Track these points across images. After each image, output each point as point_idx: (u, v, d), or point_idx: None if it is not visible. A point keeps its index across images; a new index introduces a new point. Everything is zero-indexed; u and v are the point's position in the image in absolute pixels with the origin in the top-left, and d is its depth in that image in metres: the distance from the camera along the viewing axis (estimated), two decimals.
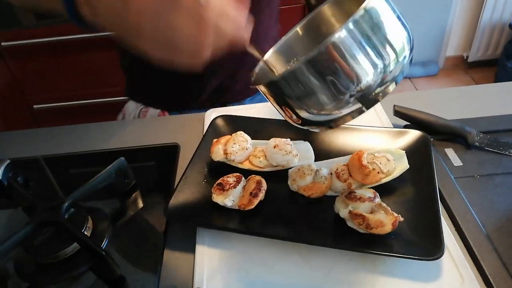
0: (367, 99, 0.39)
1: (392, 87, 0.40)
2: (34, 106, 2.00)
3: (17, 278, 0.54)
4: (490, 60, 2.67)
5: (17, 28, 1.74)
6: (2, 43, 1.76)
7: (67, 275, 0.54)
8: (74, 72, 1.91)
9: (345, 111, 0.40)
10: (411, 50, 0.40)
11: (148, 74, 0.91)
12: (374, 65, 0.37)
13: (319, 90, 0.39)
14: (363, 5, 0.36)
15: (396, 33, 0.38)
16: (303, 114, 0.42)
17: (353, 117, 0.42)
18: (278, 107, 0.45)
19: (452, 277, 0.50)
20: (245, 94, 0.98)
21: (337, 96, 0.38)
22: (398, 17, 0.39)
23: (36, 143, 0.81)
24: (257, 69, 0.51)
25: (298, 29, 0.53)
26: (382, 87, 0.38)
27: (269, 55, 0.53)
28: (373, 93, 0.38)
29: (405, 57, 0.39)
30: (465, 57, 2.73)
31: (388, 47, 0.38)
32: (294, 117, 0.43)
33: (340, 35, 0.36)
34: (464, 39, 2.69)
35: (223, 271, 0.53)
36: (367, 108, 0.41)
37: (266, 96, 0.46)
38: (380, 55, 0.37)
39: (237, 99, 0.97)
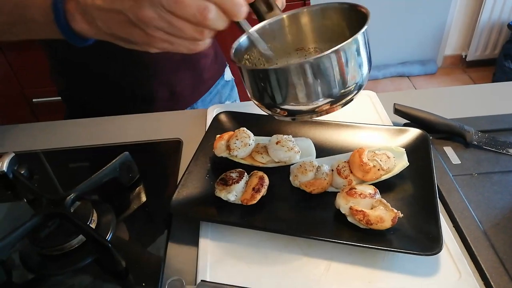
0: (336, 97, 0.47)
1: (355, 89, 0.48)
2: (33, 100, 2.00)
3: (22, 269, 0.55)
4: (488, 60, 2.69)
5: None
6: None
7: (72, 266, 0.55)
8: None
9: (319, 103, 0.47)
10: (369, 66, 0.49)
11: (93, 96, 0.91)
12: (348, 77, 0.46)
13: (299, 89, 0.45)
14: (354, 37, 0.44)
15: (366, 55, 0.47)
16: (285, 106, 0.48)
17: (325, 110, 0.49)
18: (257, 97, 0.50)
19: (450, 272, 0.51)
20: (196, 97, 0.96)
21: (313, 96, 0.46)
22: (367, 43, 0.47)
23: (40, 137, 0.82)
24: (238, 42, 0.52)
25: (284, 17, 0.55)
26: (346, 89, 0.47)
27: (253, 30, 0.54)
28: (340, 93, 0.47)
29: (368, 70, 0.49)
30: (463, 56, 2.75)
31: (358, 65, 0.46)
32: (279, 110, 0.49)
33: (332, 54, 0.43)
34: (463, 39, 2.70)
35: (225, 264, 0.54)
36: (337, 103, 0.48)
37: (248, 80, 0.49)
38: (354, 69, 0.46)
39: (187, 105, 0.95)
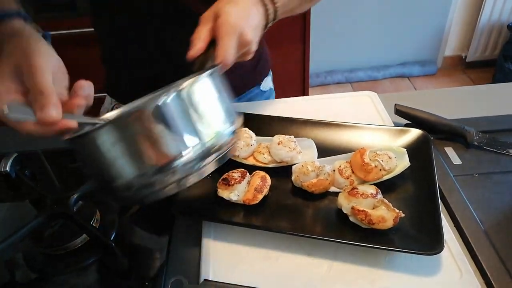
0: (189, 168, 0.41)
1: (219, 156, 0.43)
2: None
3: (26, 269, 0.56)
4: (488, 61, 2.69)
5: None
6: None
7: (76, 266, 0.55)
8: (75, 66, 1.91)
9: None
10: (232, 123, 0.43)
11: (128, 70, 0.90)
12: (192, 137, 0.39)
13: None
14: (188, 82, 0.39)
15: (217, 111, 0.41)
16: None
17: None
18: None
19: (451, 271, 0.52)
20: (239, 90, 0.91)
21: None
22: (220, 97, 0.41)
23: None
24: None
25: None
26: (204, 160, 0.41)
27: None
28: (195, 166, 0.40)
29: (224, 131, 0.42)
30: (463, 57, 2.75)
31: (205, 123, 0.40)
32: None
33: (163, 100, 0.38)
34: (463, 39, 2.71)
35: (228, 264, 0.55)
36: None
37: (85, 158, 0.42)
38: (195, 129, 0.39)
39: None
